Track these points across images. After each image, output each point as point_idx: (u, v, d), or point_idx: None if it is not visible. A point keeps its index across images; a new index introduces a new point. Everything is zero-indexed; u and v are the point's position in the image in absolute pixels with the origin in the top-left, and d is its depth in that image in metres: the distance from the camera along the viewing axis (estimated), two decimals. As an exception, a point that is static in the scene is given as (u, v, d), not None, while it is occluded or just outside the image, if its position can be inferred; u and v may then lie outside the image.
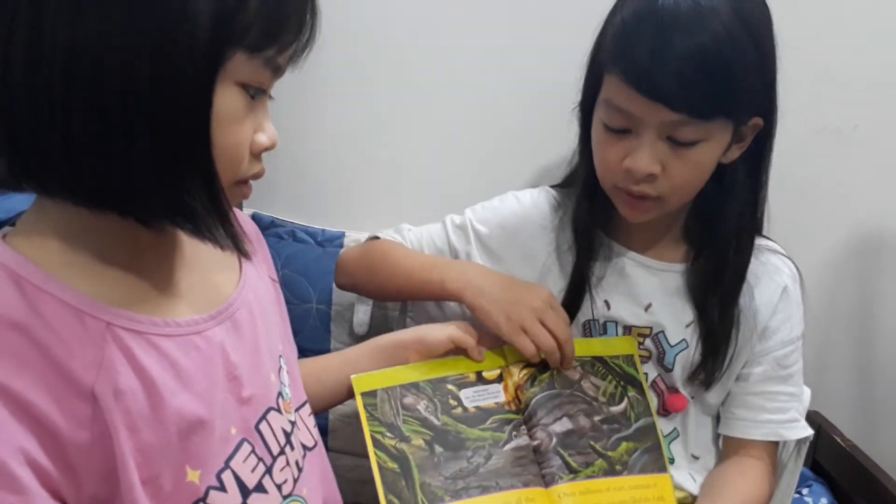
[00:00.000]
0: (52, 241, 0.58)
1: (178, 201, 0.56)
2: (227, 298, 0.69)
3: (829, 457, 1.18)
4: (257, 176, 0.63)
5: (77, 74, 0.52)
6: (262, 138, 0.61)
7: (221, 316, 0.67)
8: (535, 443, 0.86)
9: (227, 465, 0.64)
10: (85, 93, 0.52)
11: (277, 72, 0.60)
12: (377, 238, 1.04)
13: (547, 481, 0.84)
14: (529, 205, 1.01)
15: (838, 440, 1.17)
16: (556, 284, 0.97)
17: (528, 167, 1.16)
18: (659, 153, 0.84)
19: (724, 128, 0.84)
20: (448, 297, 0.93)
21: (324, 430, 1.15)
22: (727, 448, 0.98)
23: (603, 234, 0.96)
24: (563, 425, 0.87)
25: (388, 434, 0.83)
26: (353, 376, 0.86)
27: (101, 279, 0.58)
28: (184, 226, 0.58)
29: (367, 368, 0.88)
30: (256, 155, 0.62)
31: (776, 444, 0.96)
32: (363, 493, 1.16)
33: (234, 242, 0.60)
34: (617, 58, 0.83)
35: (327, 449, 1.16)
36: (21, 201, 1.08)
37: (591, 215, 0.95)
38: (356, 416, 1.13)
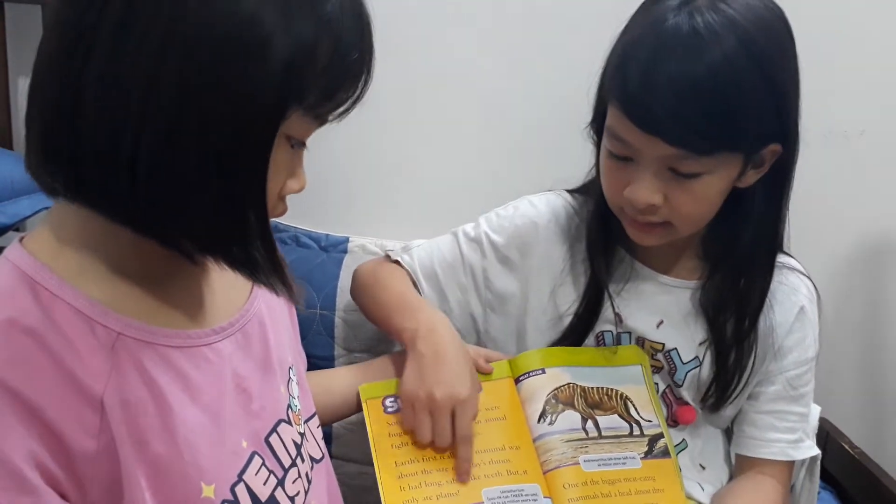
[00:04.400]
0: (68, 247, 0.58)
1: (245, 249, 0.58)
2: (237, 311, 0.69)
3: (836, 464, 1.17)
4: (280, 215, 0.64)
5: (154, 114, 0.52)
6: (293, 184, 0.62)
7: (232, 328, 0.67)
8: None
9: (240, 479, 0.64)
10: (159, 131, 0.52)
11: (322, 125, 0.61)
12: (389, 257, 1.02)
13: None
14: (546, 211, 0.98)
15: (846, 447, 1.16)
16: (570, 295, 0.96)
17: (536, 174, 1.15)
18: (660, 184, 0.82)
19: (731, 159, 0.81)
20: (402, 344, 0.91)
21: (328, 437, 1.15)
22: (740, 466, 0.98)
23: (621, 248, 0.95)
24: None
25: None
26: (360, 385, 0.87)
27: (114, 288, 0.59)
28: (241, 271, 0.59)
29: (375, 379, 0.89)
30: (282, 198, 0.63)
31: (790, 464, 0.96)
32: (367, 501, 1.16)
33: (288, 291, 0.62)
34: (615, 87, 0.81)
35: (331, 456, 1.16)
36: (25, 207, 1.09)
37: (607, 230, 0.93)
38: (360, 423, 1.14)
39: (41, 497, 0.52)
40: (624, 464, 0.86)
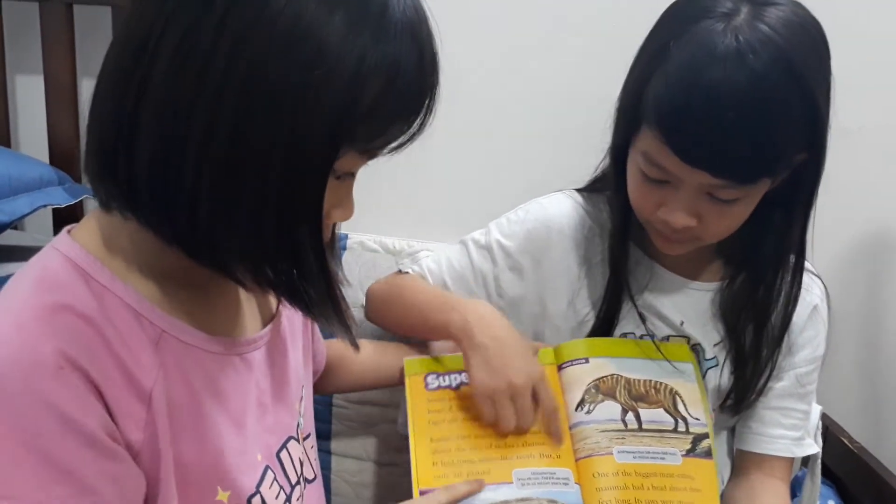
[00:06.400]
0: (115, 244, 0.58)
1: (301, 281, 0.57)
2: (266, 325, 0.70)
3: (836, 458, 1.17)
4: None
5: (212, 153, 0.52)
6: (339, 214, 0.61)
7: (260, 341, 0.68)
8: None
9: (257, 490, 0.64)
10: (217, 169, 0.52)
11: (373, 158, 0.60)
12: (401, 272, 1.01)
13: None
14: (557, 213, 0.96)
15: (846, 441, 1.16)
16: (589, 297, 0.94)
17: (536, 170, 1.16)
18: (696, 207, 0.81)
19: (768, 181, 0.82)
20: (450, 339, 0.88)
21: (327, 433, 1.15)
22: (744, 463, 0.98)
23: (638, 250, 0.94)
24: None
25: None
26: (406, 359, 0.89)
27: (158, 288, 0.59)
28: (296, 304, 0.59)
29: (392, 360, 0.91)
30: (327, 226, 0.62)
31: (791, 460, 0.97)
32: (365, 497, 1.16)
33: (344, 332, 0.61)
34: (659, 120, 0.78)
35: (330, 453, 1.16)
36: (24, 205, 1.09)
37: (626, 232, 0.91)
38: (359, 419, 1.14)
39: (124, 461, 0.53)
40: (663, 459, 0.85)
